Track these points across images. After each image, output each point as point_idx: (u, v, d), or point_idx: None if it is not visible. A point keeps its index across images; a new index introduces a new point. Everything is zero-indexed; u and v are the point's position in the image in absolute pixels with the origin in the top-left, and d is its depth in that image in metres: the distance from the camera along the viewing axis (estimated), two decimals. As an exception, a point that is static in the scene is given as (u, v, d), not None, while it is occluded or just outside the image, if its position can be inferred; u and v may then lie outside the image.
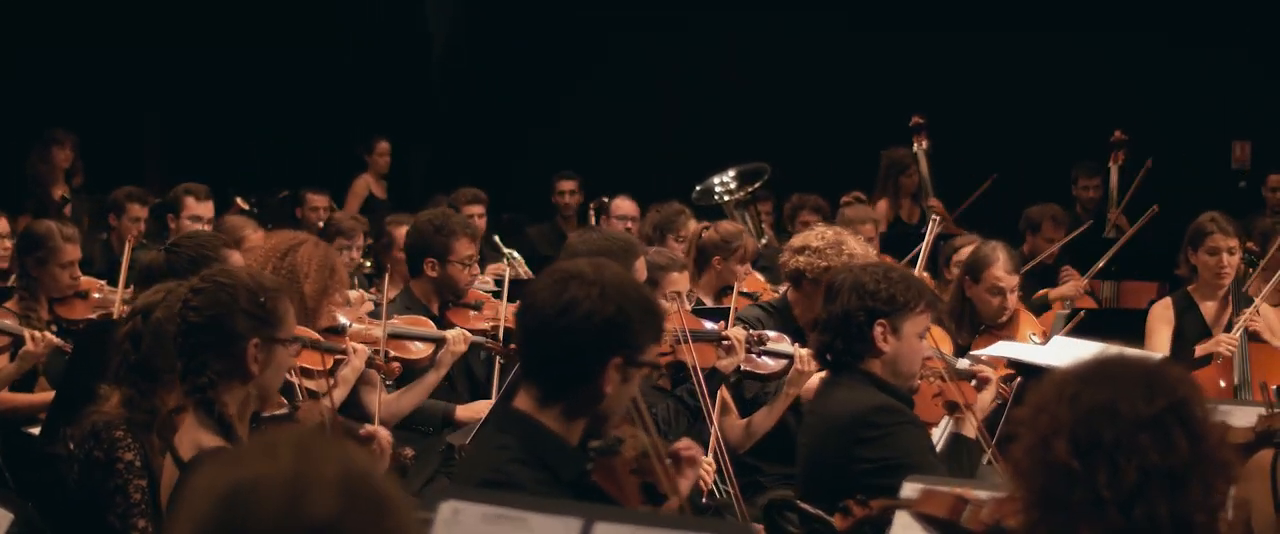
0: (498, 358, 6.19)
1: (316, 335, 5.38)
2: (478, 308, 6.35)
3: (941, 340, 5.44)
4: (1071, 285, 8.55)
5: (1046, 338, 6.68)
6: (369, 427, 4.06)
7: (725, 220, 8.10)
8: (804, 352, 5.64)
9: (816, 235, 6.08)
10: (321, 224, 9.47)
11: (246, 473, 1.96)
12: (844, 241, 6.01)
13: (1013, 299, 6.79)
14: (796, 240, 6.17)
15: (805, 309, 6.01)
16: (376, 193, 11.87)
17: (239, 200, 10.03)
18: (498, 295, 6.49)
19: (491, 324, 6.17)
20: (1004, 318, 6.79)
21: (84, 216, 9.74)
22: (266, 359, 3.67)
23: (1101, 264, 8.47)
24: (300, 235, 5.73)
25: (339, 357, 5.29)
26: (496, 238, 9.63)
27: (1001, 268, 6.74)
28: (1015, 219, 9.76)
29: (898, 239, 9.12)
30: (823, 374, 4.85)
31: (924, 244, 7.63)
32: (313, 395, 5.03)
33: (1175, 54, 12.86)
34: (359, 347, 5.35)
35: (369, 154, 11.92)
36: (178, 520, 1.99)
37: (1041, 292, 8.48)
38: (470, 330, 6.05)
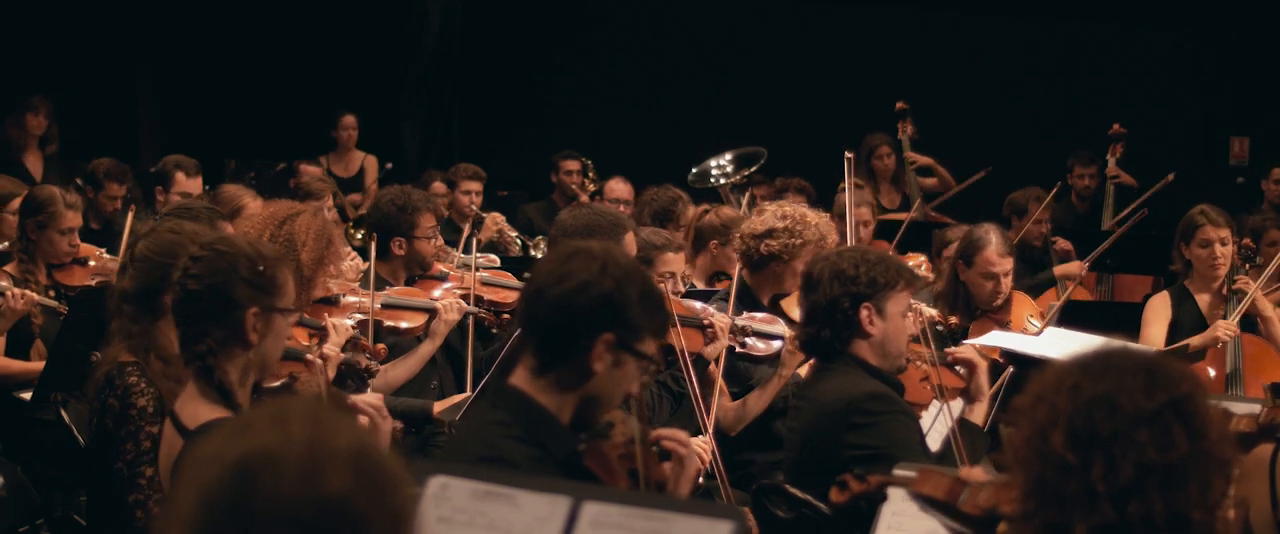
0: (488, 328, 6.21)
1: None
2: (442, 279, 6.35)
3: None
4: (1075, 265, 8.57)
5: (1043, 318, 6.69)
6: (363, 397, 4.00)
7: (727, 206, 8.06)
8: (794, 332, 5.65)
9: (774, 216, 6.01)
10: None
11: (258, 442, 1.95)
12: (804, 215, 6.00)
13: (1006, 282, 6.80)
14: (758, 226, 6.05)
15: (768, 289, 6.01)
16: (335, 170, 11.38)
17: (232, 164, 9.94)
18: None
19: (462, 294, 6.20)
20: (999, 301, 6.81)
21: (54, 180, 9.68)
22: (265, 328, 3.63)
23: (1104, 247, 8.39)
24: (298, 205, 5.74)
25: (319, 333, 5.27)
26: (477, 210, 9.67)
27: (994, 251, 6.76)
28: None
29: (878, 226, 9.12)
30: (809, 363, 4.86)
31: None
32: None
33: (1174, 48, 12.84)
34: (340, 324, 5.32)
35: (333, 130, 11.64)
36: (184, 488, 1.96)
37: (1044, 273, 8.47)
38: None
